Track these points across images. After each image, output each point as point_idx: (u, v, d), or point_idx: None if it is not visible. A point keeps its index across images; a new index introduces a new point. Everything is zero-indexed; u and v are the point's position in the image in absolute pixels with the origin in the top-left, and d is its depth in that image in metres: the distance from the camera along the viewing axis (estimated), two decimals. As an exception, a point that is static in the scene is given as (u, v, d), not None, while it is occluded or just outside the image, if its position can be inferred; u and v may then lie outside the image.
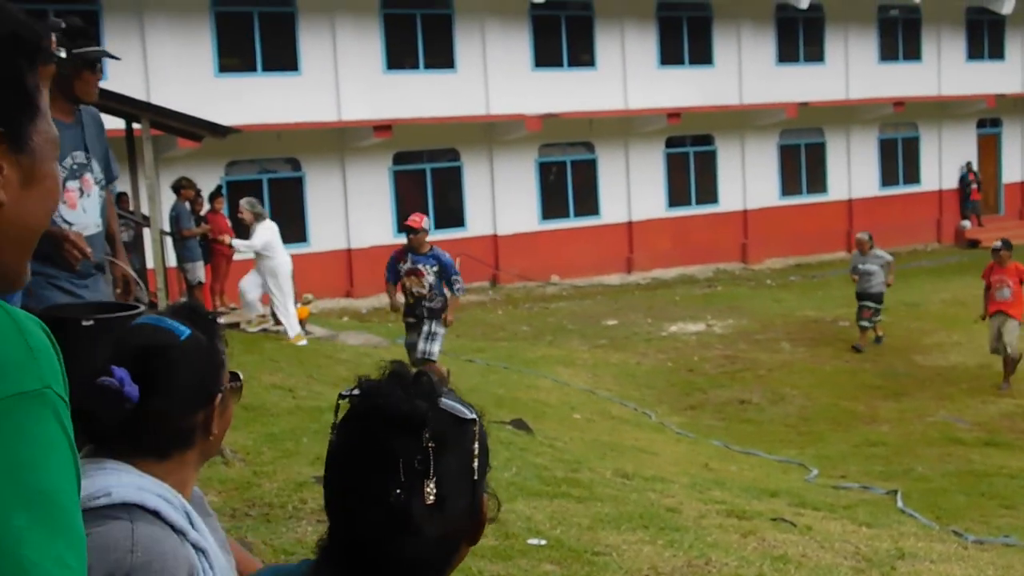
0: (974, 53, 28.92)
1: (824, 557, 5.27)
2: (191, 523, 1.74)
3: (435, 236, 21.78)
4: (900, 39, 27.85)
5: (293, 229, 20.07)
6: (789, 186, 26.51)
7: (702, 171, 25.27)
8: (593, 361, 14.47)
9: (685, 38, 24.59)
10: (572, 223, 23.45)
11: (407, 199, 21.75)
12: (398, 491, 1.32)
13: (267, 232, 12.62)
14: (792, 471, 9.48)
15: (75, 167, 4.35)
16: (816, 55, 26.46)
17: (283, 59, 20.05)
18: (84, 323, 2.49)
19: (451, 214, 22.23)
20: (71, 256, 3.97)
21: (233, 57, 19.71)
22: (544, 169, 23.21)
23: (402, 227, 9.90)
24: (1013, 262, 12.71)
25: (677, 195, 24.91)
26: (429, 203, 21.95)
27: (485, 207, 22.43)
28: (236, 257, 16.32)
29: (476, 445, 1.39)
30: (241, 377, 1.95)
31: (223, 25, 19.52)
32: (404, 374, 1.40)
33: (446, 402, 1.39)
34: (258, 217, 12.91)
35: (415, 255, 9.83)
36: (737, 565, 4.93)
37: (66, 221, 4.34)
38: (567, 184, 23.55)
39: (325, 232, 20.50)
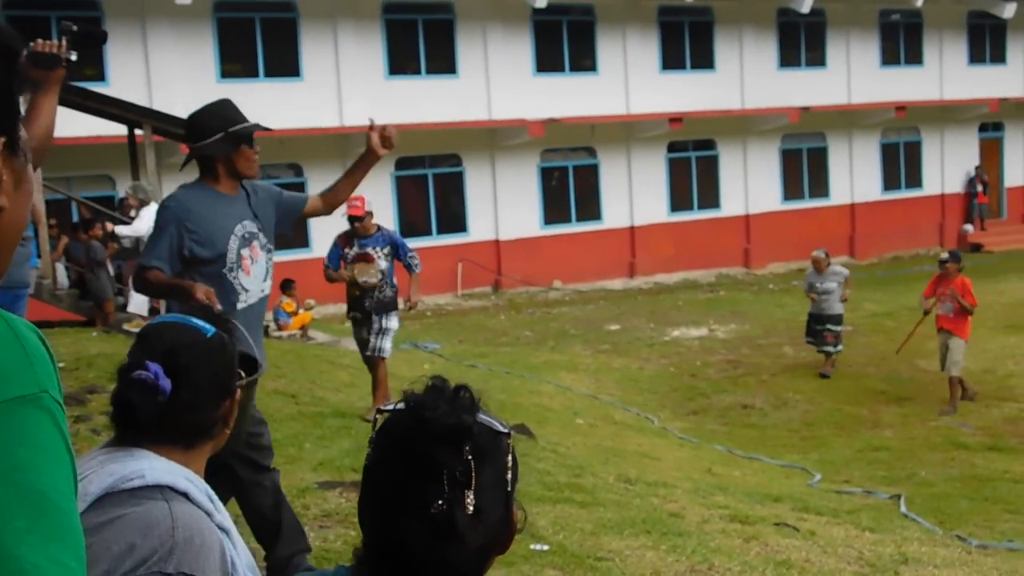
0: (976, 57, 28.91)
1: (827, 562, 5.26)
2: (215, 505, 1.84)
3: (437, 241, 21.95)
4: (902, 43, 27.85)
5: (295, 234, 20.10)
6: (791, 191, 26.51)
7: (704, 176, 25.27)
8: (596, 366, 14.46)
9: (687, 43, 24.60)
10: (574, 228, 23.46)
11: (409, 204, 21.78)
12: (440, 502, 1.36)
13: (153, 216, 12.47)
14: (795, 476, 9.46)
15: (245, 235, 4.46)
16: (818, 60, 26.46)
17: (285, 65, 20.08)
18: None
19: (453, 219, 22.24)
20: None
21: (235, 63, 19.74)
22: (546, 174, 23.22)
23: (348, 216, 8.82)
24: (960, 276, 11.86)
25: (679, 200, 24.91)
26: (431, 208, 21.98)
27: (487, 212, 22.44)
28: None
29: (509, 457, 1.45)
30: (242, 374, 2.09)
31: (225, 31, 19.56)
32: (446, 388, 1.46)
33: (482, 416, 1.45)
34: (143, 203, 12.99)
35: (362, 239, 8.92)
36: (740, 570, 4.92)
37: (244, 288, 4.48)
38: (569, 189, 23.56)
39: (327, 238, 20.37)
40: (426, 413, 1.41)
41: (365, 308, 8.85)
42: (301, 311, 15.80)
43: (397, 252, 8.90)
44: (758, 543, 5.49)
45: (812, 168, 26.83)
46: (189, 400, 1.87)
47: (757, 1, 24.84)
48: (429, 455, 1.38)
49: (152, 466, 1.78)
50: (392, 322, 8.92)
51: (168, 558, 1.67)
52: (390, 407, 1.48)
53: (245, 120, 4.46)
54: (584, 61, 23.38)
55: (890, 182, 28.01)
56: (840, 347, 14.01)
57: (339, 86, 20.43)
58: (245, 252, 4.50)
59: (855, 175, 27.25)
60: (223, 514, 1.85)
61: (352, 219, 8.87)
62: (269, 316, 15.90)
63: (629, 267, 24.00)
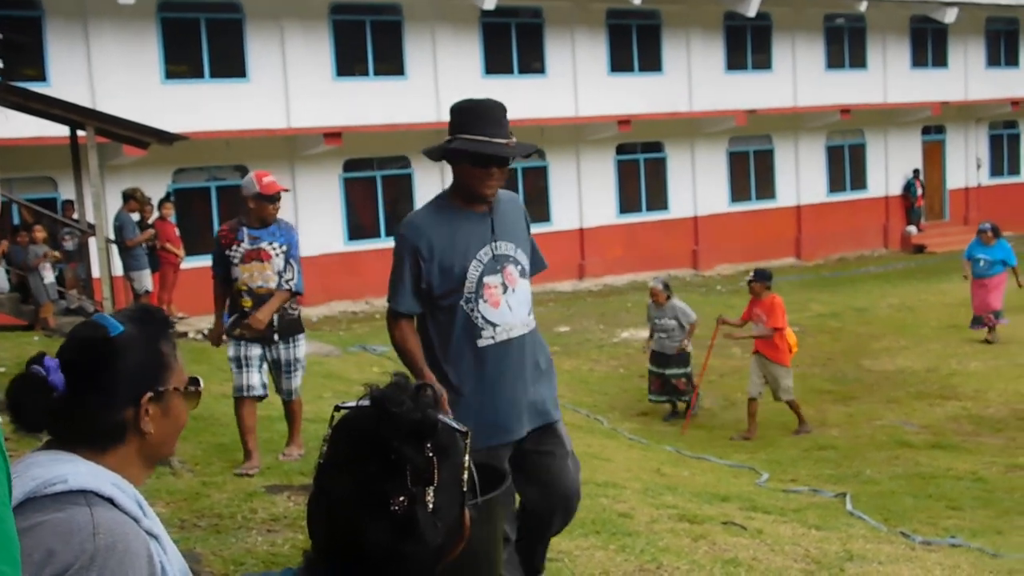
0: (918, 61, 29.35)
1: (774, 560, 5.29)
2: (143, 511, 1.77)
3: (386, 244, 21.80)
4: (846, 47, 28.20)
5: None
6: (738, 192, 26.73)
7: (653, 178, 25.41)
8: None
9: (635, 46, 24.72)
10: (524, 230, 23.44)
11: (358, 207, 21.68)
12: (402, 498, 1.35)
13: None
14: (743, 475, 9.53)
15: (492, 260, 3.94)
16: (764, 63, 26.71)
17: (231, 66, 19.90)
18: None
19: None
20: None
21: (180, 64, 19.53)
22: (495, 176, 23.18)
23: (261, 194, 6.80)
24: (770, 295, 11.10)
25: (628, 202, 25.02)
26: (380, 210, 21.89)
27: (436, 214, 22.34)
28: (183, 265, 16.17)
29: (466, 458, 1.45)
30: (200, 383, 1.96)
31: (169, 32, 19.34)
32: (408, 386, 1.45)
33: (442, 416, 1.45)
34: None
35: (254, 229, 6.84)
36: (688, 569, 4.94)
37: (489, 322, 3.95)
38: (518, 191, 23.56)
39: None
40: (392, 408, 1.40)
41: (265, 327, 6.82)
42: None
43: (289, 255, 6.91)
44: (706, 542, 5.52)
45: (759, 170, 27.08)
46: (87, 399, 1.79)
47: (704, 4, 25.02)
48: (394, 450, 1.37)
49: (76, 471, 1.72)
50: (300, 351, 7.01)
51: (90, 566, 1.61)
52: (351, 404, 1.46)
53: (489, 135, 3.84)
54: (533, 63, 23.42)
55: (835, 184, 28.34)
56: (688, 395, 11.93)
57: (286, 87, 20.28)
58: (492, 280, 3.94)
59: (801, 177, 27.54)
60: (152, 519, 1.79)
61: (269, 198, 6.84)
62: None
63: (578, 269, 24.06)
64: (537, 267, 4.35)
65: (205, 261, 19.51)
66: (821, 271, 24.79)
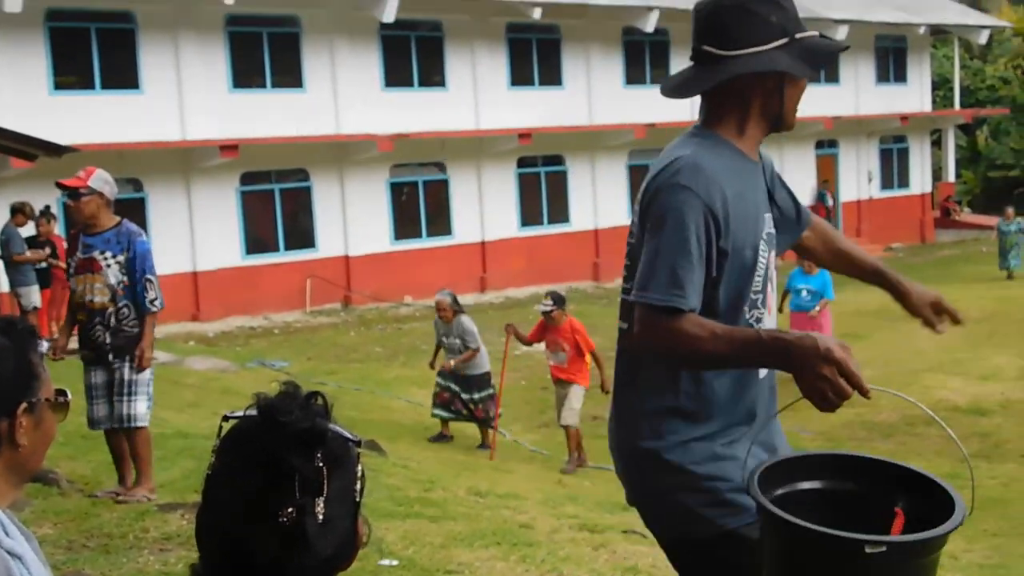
0: (812, 77, 30.02)
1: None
2: (5, 530, 1.72)
3: (285, 258, 21.57)
4: (741, 63, 28.72)
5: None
6: (638, 205, 27.00)
7: (554, 191, 25.55)
8: (447, 381, 14.39)
9: (535, 60, 24.87)
10: (425, 243, 23.40)
11: (255, 219, 21.37)
12: (290, 508, 1.32)
13: None
14: (644, 484, 9.57)
15: (767, 235, 2.59)
16: (663, 77, 27.04)
17: (123, 77, 19.46)
18: (869, 550, 1.91)
19: (301, 235, 21.91)
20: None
21: (69, 74, 19.04)
22: (396, 189, 23.11)
23: (59, 185, 6.35)
24: (568, 319, 10.25)
25: (529, 215, 25.12)
26: (278, 224, 21.61)
27: (336, 228, 22.18)
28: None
29: (359, 468, 1.43)
30: (68, 394, 1.90)
31: (58, 41, 18.84)
32: (297, 394, 1.42)
33: (333, 425, 1.42)
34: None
35: (88, 236, 6.15)
36: (589, 578, 4.94)
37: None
38: (419, 204, 23.50)
39: (169, 254, 19.90)
40: (280, 417, 1.37)
41: (94, 342, 6.10)
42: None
43: (132, 268, 6.12)
44: (607, 550, 5.53)
45: (658, 183, 27.39)
46: None
47: (603, 20, 25.29)
48: (282, 459, 1.34)
49: None
50: (141, 372, 6.13)
51: None
52: (238, 414, 1.43)
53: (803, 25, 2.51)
54: (433, 76, 23.39)
55: (732, 197, 28.81)
56: (493, 421, 10.83)
57: (181, 99, 19.90)
58: (772, 272, 2.61)
59: (699, 190, 27.94)
60: (16, 539, 1.74)
61: (69, 193, 6.17)
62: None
63: (480, 282, 24.05)
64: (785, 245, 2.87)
65: (97, 276, 18.94)
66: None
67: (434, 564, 5.06)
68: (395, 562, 5.04)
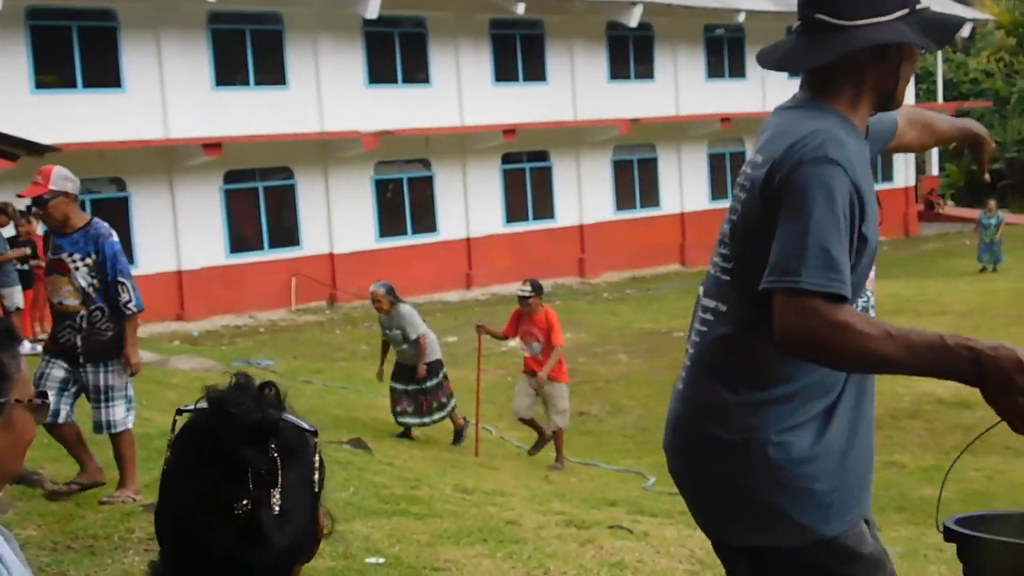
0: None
1: (660, 562, 5.32)
2: None
3: (270, 256, 21.51)
4: (726, 57, 28.81)
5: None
6: (623, 201, 27.05)
7: (538, 187, 25.56)
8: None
9: (519, 55, 24.85)
10: (410, 240, 23.37)
11: (239, 218, 21.30)
12: (245, 501, 1.31)
13: None
14: (630, 480, 9.60)
15: None
16: (647, 73, 27.11)
17: (105, 75, 19.37)
18: None
19: (286, 233, 21.86)
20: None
21: (51, 73, 18.94)
22: (381, 186, 23.07)
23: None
24: (544, 308, 10.00)
25: (514, 211, 25.11)
26: (263, 222, 21.55)
27: (321, 226, 22.13)
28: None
29: (317, 458, 1.41)
30: (49, 396, 1.86)
31: (39, 40, 18.73)
32: (249, 385, 1.40)
33: (288, 415, 1.41)
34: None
35: (58, 237, 6.00)
36: (575, 574, 4.94)
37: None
38: (404, 201, 23.46)
39: (153, 254, 19.87)
40: (231, 408, 1.36)
41: (64, 342, 5.97)
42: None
43: (102, 270, 5.92)
44: (593, 546, 5.53)
45: (643, 178, 27.45)
46: None
47: (587, 15, 25.29)
48: (234, 452, 1.33)
49: None
50: (114, 378, 5.98)
51: None
52: (190, 407, 1.42)
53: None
54: (417, 73, 23.35)
55: (718, 191, 28.87)
56: (449, 407, 10.50)
57: (163, 97, 19.82)
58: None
59: (684, 185, 28.01)
60: None
61: (32, 203, 6.09)
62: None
63: (466, 279, 24.03)
64: None
65: (80, 276, 18.83)
66: (704, 278, 25.22)
67: (420, 562, 5.05)
68: (381, 560, 5.03)
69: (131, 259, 19.44)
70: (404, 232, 23.38)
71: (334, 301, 22.00)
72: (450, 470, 8.67)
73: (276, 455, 1.34)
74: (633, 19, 24.98)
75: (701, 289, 2.48)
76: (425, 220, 23.74)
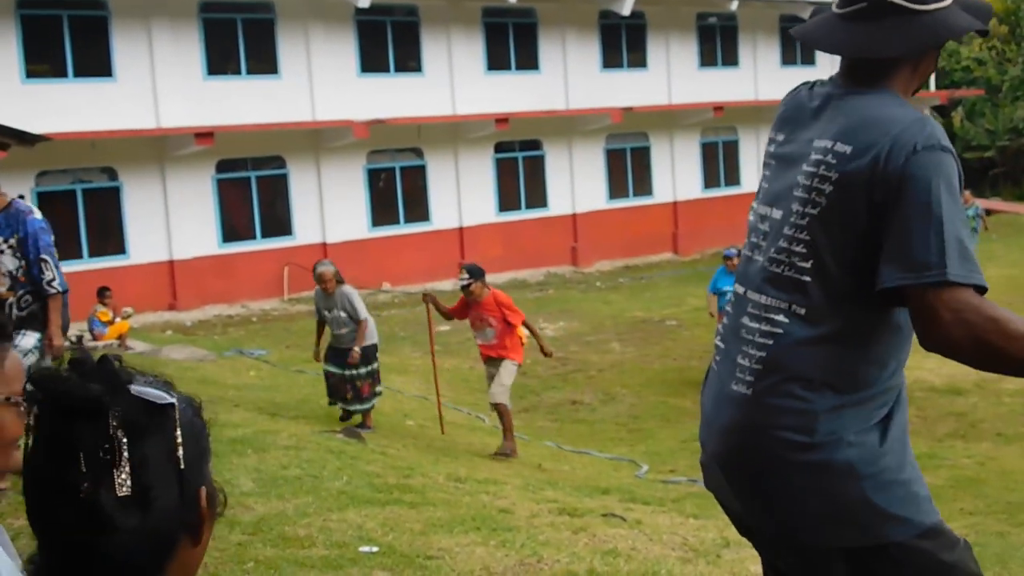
0: (787, 59, 30.13)
1: (653, 549, 5.32)
2: None
3: (262, 245, 21.47)
4: (719, 46, 28.78)
5: (110, 241, 19.35)
6: (616, 190, 27.03)
7: (531, 176, 25.53)
8: (426, 368, 14.34)
9: (511, 44, 24.80)
10: (402, 230, 23.34)
11: (231, 208, 21.25)
12: (86, 484, 1.24)
13: None
14: (623, 468, 9.62)
15: None
16: (639, 61, 27.07)
17: (96, 65, 19.29)
18: None
19: (278, 223, 21.82)
20: None
21: (42, 63, 18.86)
22: (373, 176, 23.03)
23: None
24: (491, 292, 9.60)
25: (507, 200, 25.09)
26: (255, 212, 21.50)
27: (313, 215, 22.10)
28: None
29: (178, 432, 1.31)
30: (38, 397, 1.83)
31: (30, 29, 18.65)
32: (86, 360, 1.32)
33: (138, 388, 1.30)
34: None
35: None
36: (568, 561, 4.94)
37: None
38: (397, 190, 23.43)
39: (145, 243, 19.82)
40: (58, 387, 1.28)
41: None
42: (118, 320, 15.20)
43: (24, 249, 5.77)
44: (586, 534, 5.53)
45: (636, 167, 27.43)
46: None
47: (579, 4, 25.24)
48: (65, 432, 1.26)
49: None
50: (27, 339, 5.73)
51: None
52: (19, 395, 1.38)
53: None
54: (409, 62, 23.29)
55: (710, 180, 28.88)
56: (376, 396, 10.15)
57: (155, 86, 19.76)
58: None
59: (677, 173, 27.99)
60: None
61: None
62: (83, 327, 15.26)
63: (458, 268, 23.96)
64: None
65: (71, 266, 18.87)
66: (697, 265, 25.21)
67: (414, 550, 5.04)
68: (375, 548, 5.02)
69: (123, 249, 19.44)
70: (396, 221, 23.36)
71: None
72: (443, 459, 8.67)
73: (118, 432, 1.26)
74: (626, 8, 24.95)
75: (742, 288, 2.36)
76: (417, 209, 23.71)
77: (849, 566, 2.25)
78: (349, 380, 9.89)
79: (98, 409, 1.26)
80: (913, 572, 2.21)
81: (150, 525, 1.27)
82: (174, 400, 1.32)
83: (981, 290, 2.05)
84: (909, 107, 2.21)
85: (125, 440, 1.25)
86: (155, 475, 1.27)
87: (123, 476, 1.25)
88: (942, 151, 2.10)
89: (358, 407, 9.99)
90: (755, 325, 2.29)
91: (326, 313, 10.03)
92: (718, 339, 2.43)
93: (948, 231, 2.03)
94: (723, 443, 2.35)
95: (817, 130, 2.27)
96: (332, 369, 9.98)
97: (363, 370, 9.90)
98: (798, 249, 2.22)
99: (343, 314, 9.88)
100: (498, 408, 9.44)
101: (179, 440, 1.31)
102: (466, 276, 9.48)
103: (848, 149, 2.17)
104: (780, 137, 2.44)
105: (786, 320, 2.24)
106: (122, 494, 1.24)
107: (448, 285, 23.20)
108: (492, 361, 9.52)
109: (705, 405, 2.44)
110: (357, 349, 9.77)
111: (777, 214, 2.29)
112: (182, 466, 1.31)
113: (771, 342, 2.25)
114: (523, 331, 9.62)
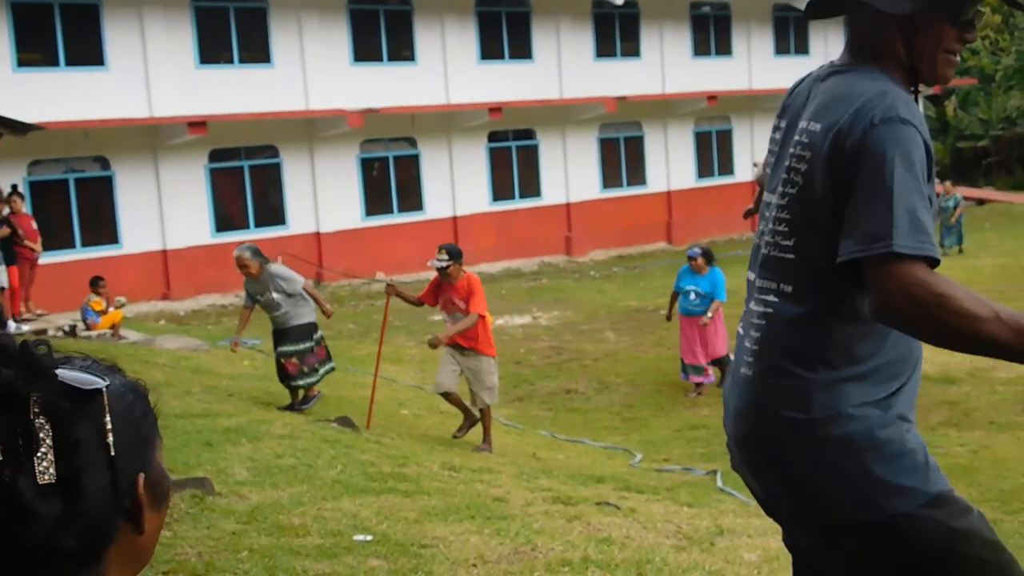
0: (781, 49, 30.11)
1: (647, 537, 5.33)
2: None
3: (255, 235, 21.42)
4: (712, 35, 28.75)
5: (103, 231, 19.30)
6: (610, 179, 27.03)
7: (525, 165, 25.51)
8: (420, 357, 14.38)
9: (505, 33, 24.75)
10: (396, 219, 23.32)
11: (225, 197, 21.21)
12: (6, 472, 1.19)
13: None
14: (617, 457, 9.63)
15: None
16: (633, 50, 27.04)
17: (88, 53, 19.22)
18: None
19: (271, 212, 21.79)
20: None
21: (33, 52, 18.79)
22: (366, 165, 23.00)
23: None
24: (467, 275, 9.32)
25: (501, 189, 25.07)
26: (248, 201, 21.47)
27: (307, 204, 22.06)
28: (41, 260, 15.58)
29: (108, 418, 1.27)
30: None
31: (21, 17, 18.56)
32: (6, 346, 1.26)
33: (66, 373, 1.26)
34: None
35: None
36: (563, 549, 4.94)
37: None
38: (390, 180, 23.40)
39: (138, 233, 19.78)
40: None
41: None
42: (111, 309, 15.17)
43: None
44: (580, 523, 5.53)
45: (629, 157, 27.42)
46: None
47: (572, -8, 25.22)
48: None
49: None
50: None
51: None
52: None
53: None
54: (403, 51, 23.24)
55: (704, 170, 28.88)
56: (325, 369, 9.94)
57: (147, 75, 19.69)
58: None
59: (671, 163, 27.99)
60: None
61: None
62: (76, 316, 15.24)
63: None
64: None
65: (64, 256, 18.85)
66: (691, 255, 25.28)
67: (408, 539, 5.05)
68: (369, 537, 5.03)
69: (116, 239, 19.40)
70: (390, 211, 23.33)
71: (320, 280, 21.93)
72: (438, 448, 8.68)
73: (39, 419, 1.22)
74: (619, -4, 24.93)
75: (751, 274, 2.38)
76: (411, 199, 23.68)
77: (861, 540, 2.24)
78: (301, 354, 9.63)
79: (12, 395, 1.22)
80: (925, 542, 2.19)
81: (79, 513, 1.23)
82: (102, 385, 1.28)
83: (934, 263, 2.02)
84: (881, 80, 2.19)
85: (48, 426, 1.21)
86: (84, 461, 1.23)
87: (44, 464, 1.20)
88: (901, 123, 2.08)
89: (307, 381, 9.73)
90: (756, 308, 2.33)
91: (259, 298, 9.73)
92: (739, 326, 2.46)
93: (898, 202, 2.01)
94: (737, 426, 2.41)
95: (805, 114, 2.30)
96: (284, 349, 9.66)
97: (295, 347, 9.64)
98: (781, 228, 2.26)
99: (275, 295, 9.57)
100: (483, 411, 9.23)
101: (108, 426, 1.27)
102: (445, 257, 9.23)
103: (818, 127, 2.19)
104: (782, 125, 2.46)
105: (776, 300, 2.27)
106: (44, 482, 1.20)
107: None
108: (461, 349, 9.13)
109: (725, 391, 2.49)
110: (327, 305, 9.76)
111: (772, 199, 2.33)
112: (112, 452, 1.26)
113: (764, 322, 2.29)
114: (490, 319, 9.43)
